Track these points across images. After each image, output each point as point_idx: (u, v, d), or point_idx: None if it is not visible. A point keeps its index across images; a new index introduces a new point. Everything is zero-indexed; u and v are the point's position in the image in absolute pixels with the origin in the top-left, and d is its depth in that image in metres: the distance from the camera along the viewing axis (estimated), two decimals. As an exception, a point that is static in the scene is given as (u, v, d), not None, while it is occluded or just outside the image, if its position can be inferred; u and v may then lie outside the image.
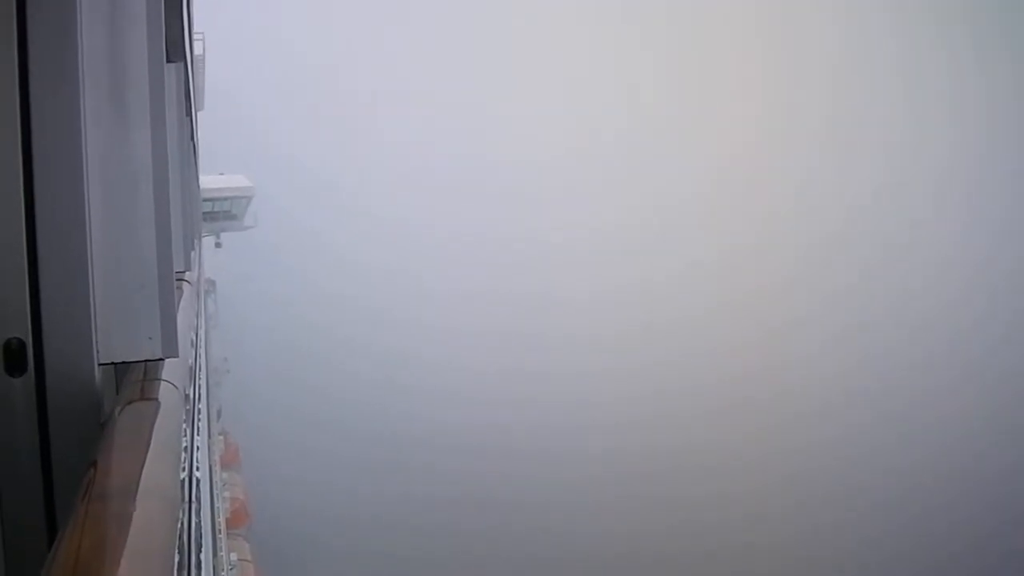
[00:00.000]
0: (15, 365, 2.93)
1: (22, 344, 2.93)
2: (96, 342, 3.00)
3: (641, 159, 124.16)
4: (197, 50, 47.11)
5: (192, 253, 11.67)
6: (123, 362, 3.11)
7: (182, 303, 5.75)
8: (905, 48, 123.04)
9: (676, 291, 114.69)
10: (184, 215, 7.20)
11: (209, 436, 28.43)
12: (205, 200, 56.66)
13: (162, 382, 2.95)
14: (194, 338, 12.22)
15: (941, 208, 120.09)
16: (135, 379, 3.05)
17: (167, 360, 3.35)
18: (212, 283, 63.43)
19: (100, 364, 3.03)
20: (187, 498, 5.70)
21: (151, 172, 3.13)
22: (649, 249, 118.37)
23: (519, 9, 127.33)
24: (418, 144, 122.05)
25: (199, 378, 10.79)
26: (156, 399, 2.81)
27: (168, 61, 7.09)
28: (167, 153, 3.16)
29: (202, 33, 49.76)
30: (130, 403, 2.86)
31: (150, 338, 3.14)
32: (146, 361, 3.20)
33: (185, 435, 3.28)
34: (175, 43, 8.75)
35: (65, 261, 2.94)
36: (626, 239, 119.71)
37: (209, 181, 60.69)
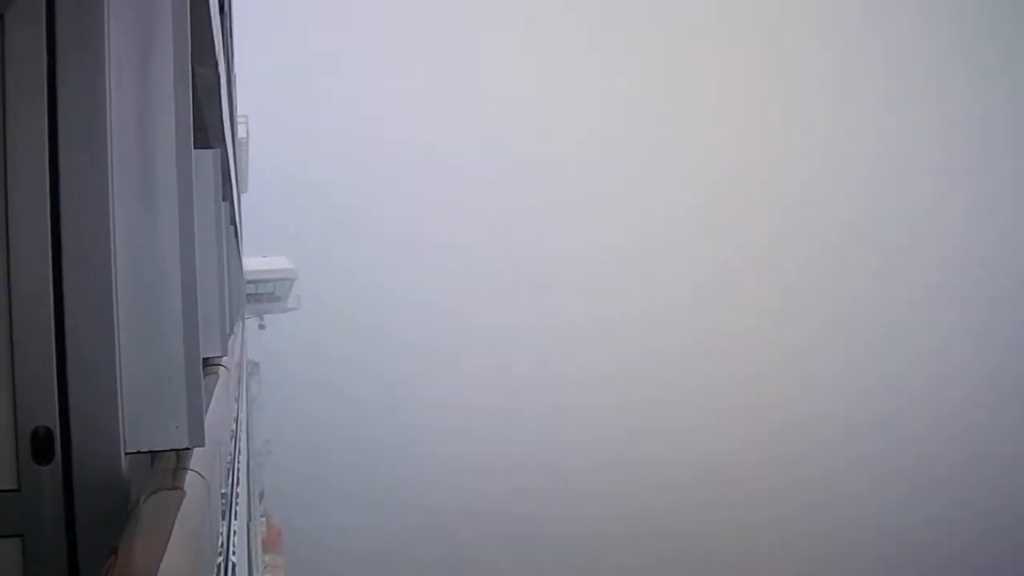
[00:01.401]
0: (42, 453, 2.96)
1: (49, 432, 2.96)
2: (123, 431, 3.03)
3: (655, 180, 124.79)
4: (240, 133, 47.91)
5: (232, 337, 11.76)
6: (149, 451, 3.13)
7: (218, 388, 5.79)
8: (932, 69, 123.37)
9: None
10: (221, 300, 7.27)
11: (249, 519, 28.38)
12: (248, 282, 57.24)
13: (189, 471, 2.96)
14: (234, 424, 12.28)
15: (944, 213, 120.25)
16: (163, 468, 3.07)
17: (196, 449, 3.37)
18: (255, 365, 63.64)
19: (127, 453, 3.05)
20: None
21: (179, 263, 3.17)
22: (653, 275, 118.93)
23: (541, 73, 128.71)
24: (460, 232, 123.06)
25: (238, 462, 10.83)
26: (182, 488, 2.82)
27: (205, 147, 7.24)
28: (194, 244, 3.20)
29: (246, 116, 50.49)
30: (155, 492, 2.87)
31: (177, 427, 3.16)
32: (175, 450, 3.21)
33: (212, 520, 3.28)
34: (214, 128, 8.93)
35: (92, 351, 2.98)
36: (637, 262, 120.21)
37: (252, 263, 61.35)
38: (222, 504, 7.87)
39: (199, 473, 2.97)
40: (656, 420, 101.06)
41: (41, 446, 2.96)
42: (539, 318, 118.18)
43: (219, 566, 6.28)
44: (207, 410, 4.71)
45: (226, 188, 12.67)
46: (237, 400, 15.71)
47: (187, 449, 3.22)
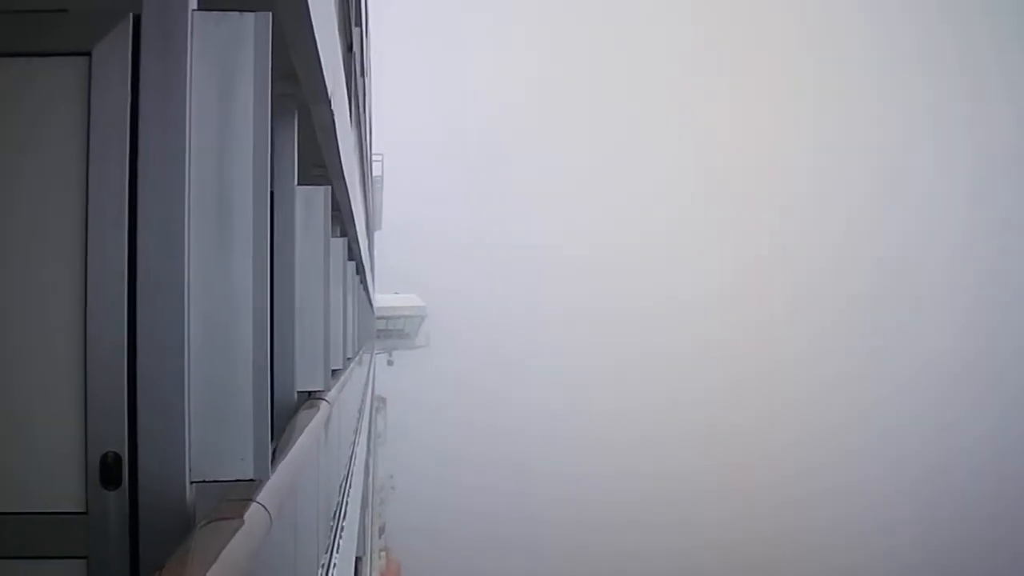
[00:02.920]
0: (110, 478, 3.05)
1: (118, 458, 3.04)
2: (189, 460, 3.09)
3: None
4: (375, 171, 48.84)
5: (348, 372, 11.93)
6: (215, 481, 3.19)
7: (313, 422, 5.87)
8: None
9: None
10: (326, 336, 7.38)
11: (364, 552, 28.55)
12: (379, 318, 58.15)
13: (253, 503, 3.00)
14: (348, 459, 12.42)
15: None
16: (230, 498, 3.12)
17: (269, 482, 3.42)
18: (383, 400, 64.44)
19: (192, 481, 3.11)
20: None
21: (251, 299, 3.24)
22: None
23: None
24: (590, 274, 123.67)
25: (347, 496, 10.95)
26: (241, 518, 2.86)
27: (310, 183, 7.39)
28: (267, 280, 3.27)
29: (381, 155, 51.43)
30: (213, 520, 2.92)
31: (243, 459, 3.21)
32: (240, 480, 3.27)
33: (273, 553, 3.32)
34: (332, 165, 9.12)
35: (163, 383, 3.06)
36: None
37: (384, 300, 62.32)
38: (328, 537, 7.97)
39: (263, 505, 3.01)
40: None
41: (109, 471, 3.04)
42: (663, 351, 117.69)
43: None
44: (294, 443, 4.78)
45: (346, 224, 12.92)
46: (355, 434, 15.90)
47: (253, 481, 3.26)
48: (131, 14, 3.09)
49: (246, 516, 2.90)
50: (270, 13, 3.27)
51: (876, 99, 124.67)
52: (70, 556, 3.06)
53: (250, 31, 3.22)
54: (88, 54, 3.10)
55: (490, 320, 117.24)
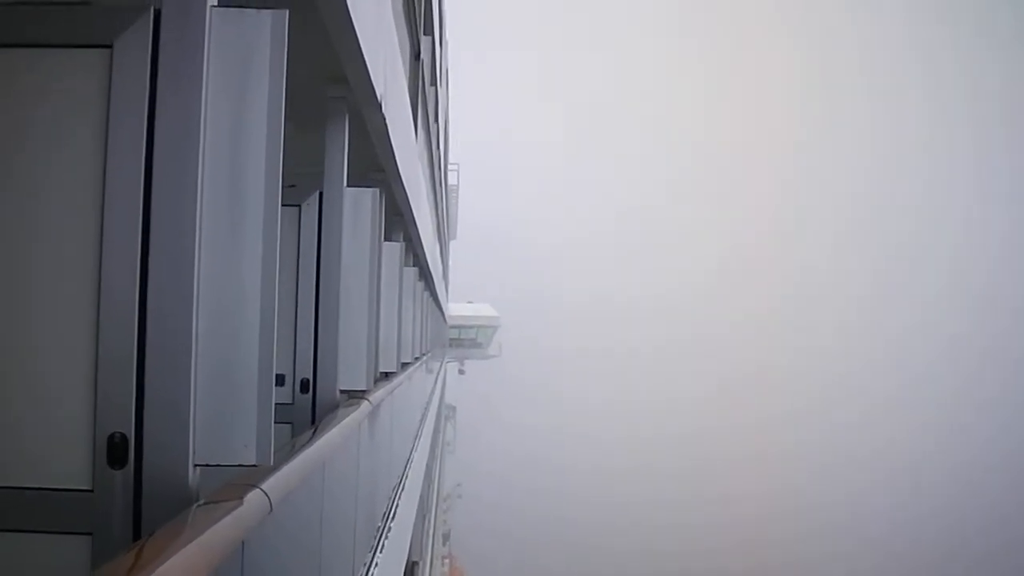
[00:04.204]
0: (117, 457, 3.15)
1: (124, 439, 3.14)
2: (193, 444, 3.18)
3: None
4: (451, 180, 49.12)
5: (406, 374, 12.04)
6: (217, 465, 3.27)
7: (350, 418, 5.96)
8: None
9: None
10: (369, 337, 7.48)
11: (428, 558, 28.56)
12: (452, 327, 58.43)
13: (254, 488, 3.07)
14: (408, 458, 12.53)
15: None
16: (232, 483, 3.20)
17: (281, 471, 3.50)
18: (452, 409, 64.68)
19: (195, 464, 3.20)
20: None
21: (259, 292, 3.32)
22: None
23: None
24: (663, 287, 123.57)
25: (398, 498, 11.03)
26: (240, 500, 2.93)
27: (358, 184, 7.49)
28: (276, 269, 3.35)
29: (457, 164, 51.73)
30: (211, 501, 3.00)
31: (246, 445, 3.29)
32: (246, 466, 3.34)
33: (266, 539, 3.38)
34: (390, 169, 9.23)
35: (170, 368, 3.16)
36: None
37: (457, 309, 62.61)
38: (371, 538, 8.06)
39: (263, 491, 3.08)
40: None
41: (116, 451, 3.14)
42: (735, 365, 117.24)
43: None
44: (319, 437, 4.87)
45: (408, 229, 13.03)
46: (415, 439, 16.01)
47: (256, 467, 3.34)
48: (152, 8, 3.19)
49: (245, 499, 2.97)
50: (287, 11, 3.36)
51: (873, 98, 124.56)
52: (76, 532, 3.16)
53: (267, 28, 3.31)
54: (110, 47, 3.21)
55: (563, 331, 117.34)
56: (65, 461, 3.19)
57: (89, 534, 3.16)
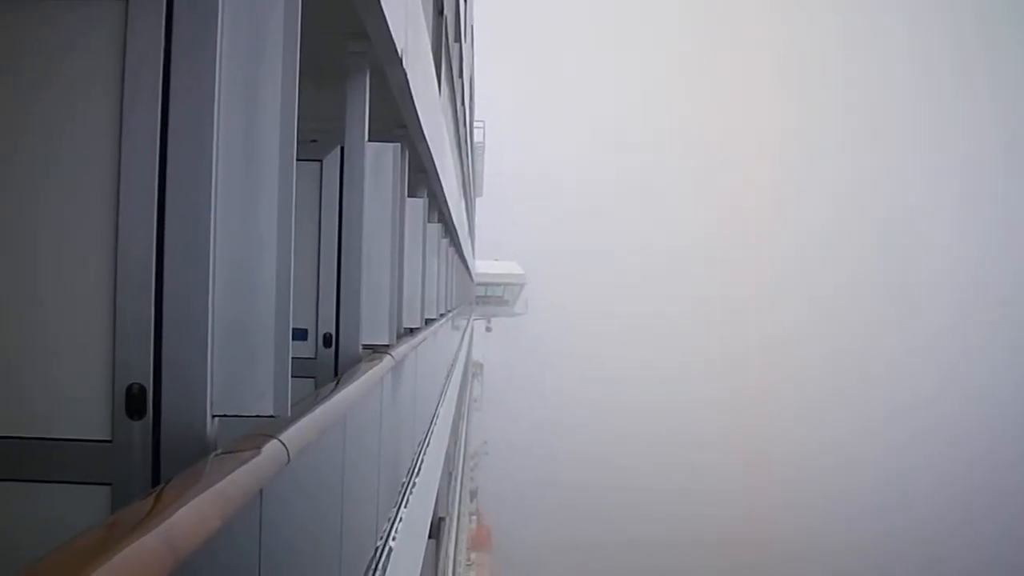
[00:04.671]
0: (135, 408, 3.18)
1: (143, 390, 3.18)
2: (210, 394, 3.21)
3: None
4: (477, 137, 48.92)
5: (431, 330, 12.08)
6: (235, 415, 3.31)
7: (372, 372, 6.00)
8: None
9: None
10: (392, 293, 7.51)
11: (455, 514, 28.70)
12: (478, 284, 58.51)
13: (271, 438, 3.10)
14: (434, 412, 12.60)
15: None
16: (252, 433, 3.23)
17: (300, 422, 3.54)
18: (479, 366, 64.85)
19: (213, 415, 3.24)
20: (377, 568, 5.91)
21: (275, 244, 3.34)
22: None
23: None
24: (690, 248, 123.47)
25: (423, 453, 11.10)
26: (257, 450, 2.96)
27: (381, 140, 7.49)
28: (292, 225, 3.36)
29: (483, 121, 51.50)
30: (229, 451, 3.04)
31: (262, 396, 3.33)
32: (264, 417, 3.38)
33: (282, 487, 3.42)
34: (412, 126, 9.23)
35: (188, 320, 3.18)
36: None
37: (484, 266, 62.63)
38: (396, 492, 8.13)
39: (281, 442, 3.11)
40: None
41: (135, 402, 3.17)
42: (769, 332, 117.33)
43: (376, 549, 6.51)
44: (340, 390, 4.90)
45: (433, 186, 13.04)
46: (441, 395, 16.10)
47: (274, 417, 3.38)
48: None
49: (263, 449, 3.00)
50: None
51: (867, 94, 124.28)
52: (95, 482, 3.21)
53: (281, -20, 3.31)
54: (125, 0, 3.22)
55: (589, 289, 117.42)
56: (85, 412, 3.23)
57: (108, 484, 3.20)
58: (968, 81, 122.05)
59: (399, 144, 7.75)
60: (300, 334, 7.73)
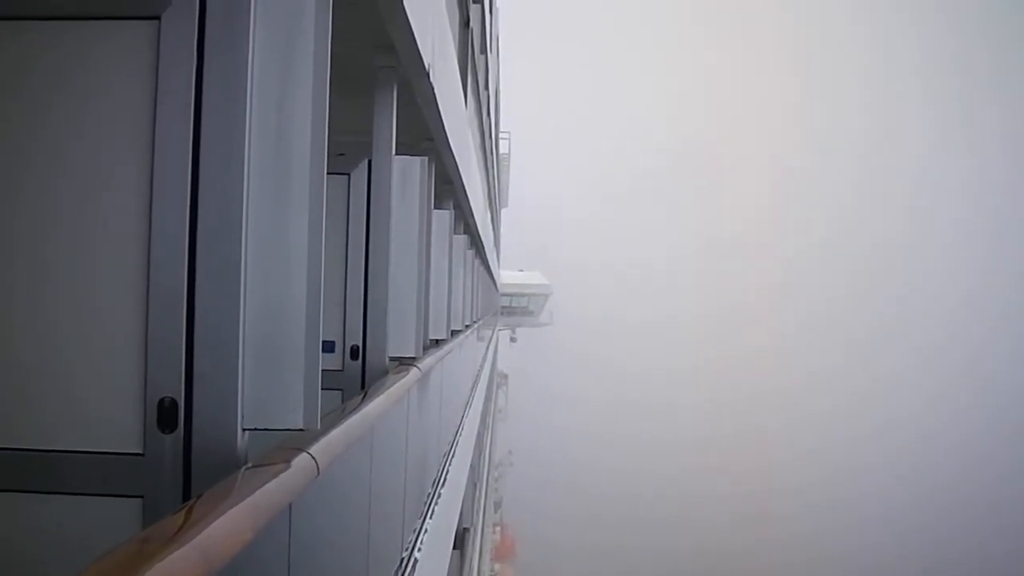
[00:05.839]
0: (167, 422, 3.21)
1: (174, 403, 3.21)
2: (241, 408, 3.24)
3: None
4: (503, 149, 48.91)
5: (457, 341, 12.09)
6: (265, 429, 3.33)
7: (398, 385, 6.01)
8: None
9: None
10: (418, 306, 7.53)
11: (479, 525, 28.62)
12: (504, 295, 58.47)
13: (301, 452, 3.12)
14: (459, 423, 12.61)
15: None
16: (281, 446, 3.25)
17: (330, 435, 3.56)
18: (504, 376, 64.76)
19: (244, 429, 3.26)
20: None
21: (306, 258, 3.36)
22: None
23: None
24: (713, 259, 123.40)
25: (449, 464, 11.11)
26: (288, 464, 2.99)
27: (408, 152, 7.52)
28: (322, 238, 3.39)
29: (508, 133, 51.50)
30: (259, 465, 3.06)
31: (293, 409, 3.35)
32: (294, 430, 3.40)
33: (315, 500, 3.44)
34: (439, 138, 9.27)
35: (219, 334, 3.21)
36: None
37: (509, 277, 62.61)
38: (421, 504, 8.14)
39: (311, 455, 3.13)
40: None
41: (166, 416, 3.20)
42: (795, 339, 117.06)
43: (401, 560, 6.52)
44: (367, 403, 4.92)
45: (458, 197, 13.07)
46: (466, 406, 16.10)
47: (303, 431, 3.40)
48: None
49: (292, 463, 3.02)
50: None
51: (866, 93, 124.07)
52: (127, 495, 3.24)
53: (312, -1, 3.34)
54: (158, 18, 3.25)
55: (613, 299, 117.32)
56: (117, 426, 3.26)
57: (140, 497, 3.23)
58: (973, 82, 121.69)
59: (426, 157, 7.78)
60: (328, 346, 7.78)
